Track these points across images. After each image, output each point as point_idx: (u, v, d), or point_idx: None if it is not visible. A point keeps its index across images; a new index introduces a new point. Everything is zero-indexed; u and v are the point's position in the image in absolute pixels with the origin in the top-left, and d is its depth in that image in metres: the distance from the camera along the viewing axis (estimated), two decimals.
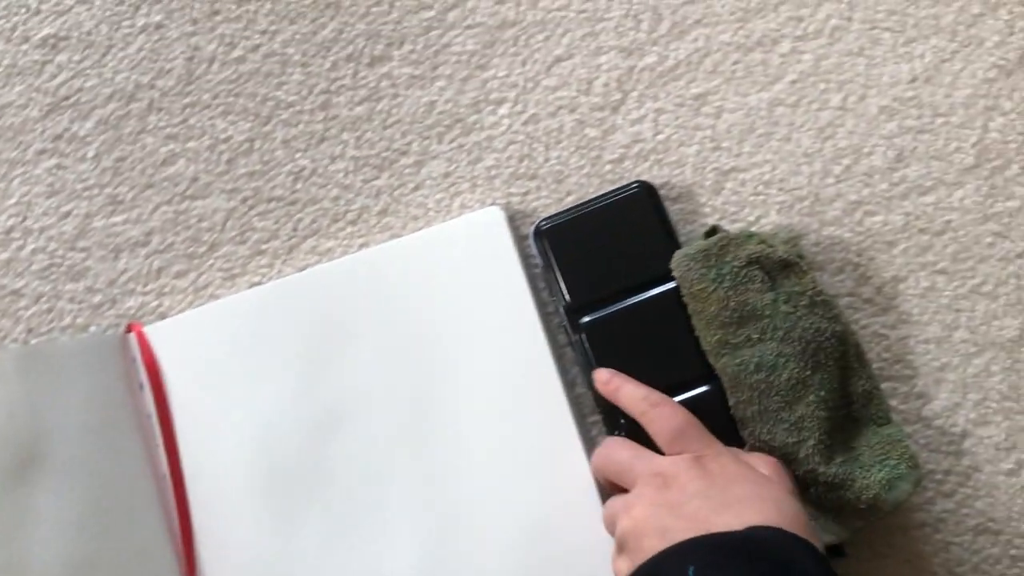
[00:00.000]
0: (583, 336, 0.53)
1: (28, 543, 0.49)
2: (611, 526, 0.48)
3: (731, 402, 0.50)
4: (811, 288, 0.50)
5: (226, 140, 0.59)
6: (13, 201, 0.59)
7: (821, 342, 0.49)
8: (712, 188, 0.56)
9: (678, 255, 0.51)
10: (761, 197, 0.56)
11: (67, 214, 0.59)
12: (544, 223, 0.54)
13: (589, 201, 0.54)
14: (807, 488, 0.49)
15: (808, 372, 0.48)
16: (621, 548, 0.46)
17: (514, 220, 0.56)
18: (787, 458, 0.48)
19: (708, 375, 0.51)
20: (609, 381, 0.51)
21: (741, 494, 0.44)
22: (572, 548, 0.51)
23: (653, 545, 0.43)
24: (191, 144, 0.59)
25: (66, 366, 0.53)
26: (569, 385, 0.54)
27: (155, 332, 0.56)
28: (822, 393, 0.48)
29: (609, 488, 0.51)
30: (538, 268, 0.55)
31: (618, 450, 0.50)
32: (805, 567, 0.40)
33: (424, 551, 0.52)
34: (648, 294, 0.52)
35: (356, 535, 0.52)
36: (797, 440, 0.48)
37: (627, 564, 0.45)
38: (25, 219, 0.59)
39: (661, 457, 0.48)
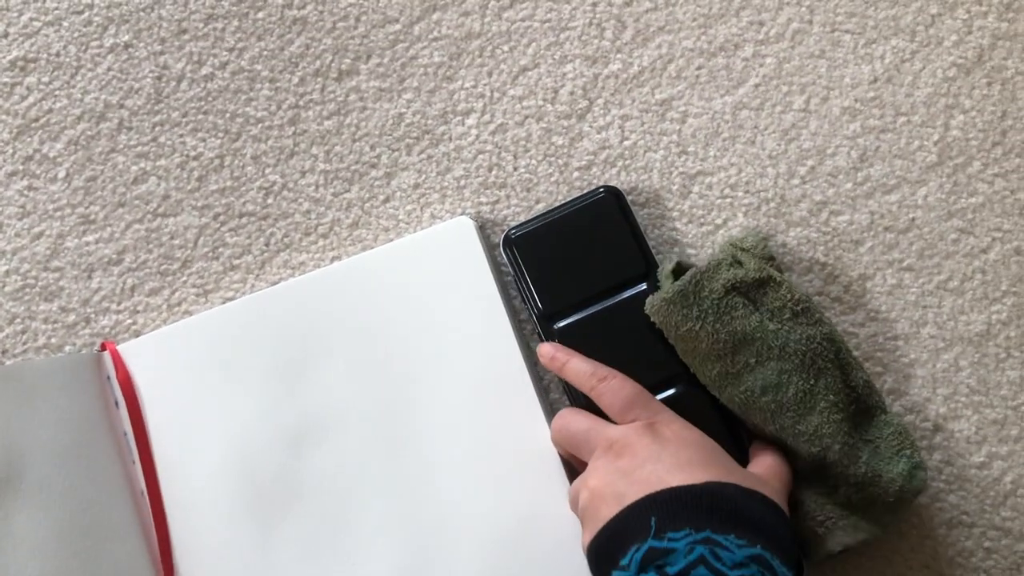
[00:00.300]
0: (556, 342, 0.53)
1: (4, 564, 0.49)
2: (575, 505, 0.49)
3: (750, 426, 0.50)
4: (789, 299, 0.50)
5: (196, 157, 0.59)
6: None
7: (815, 349, 0.49)
8: (679, 192, 0.56)
9: (654, 301, 0.51)
10: (728, 200, 0.56)
11: (39, 235, 0.59)
12: (513, 232, 0.55)
13: (557, 208, 0.55)
14: (837, 490, 0.49)
15: (812, 382, 0.49)
16: (584, 522, 0.47)
17: (484, 229, 0.57)
18: (816, 465, 0.49)
19: (680, 376, 0.51)
20: (554, 356, 0.52)
21: (693, 457, 0.45)
22: (549, 555, 0.51)
23: (611, 510, 0.44)
24: (162, 162, 0.59)
25: (40, 386, 0.53)
26: (543, 392, 0.54)
27: (129, 350, 0.56)
28: (831, 397, 0.49)
29: (569, 460, 0.52)
30: (509, 276, 0.55)
31: (573, 420, 0.50)
32: (762, 514, 0.42)
33: (401, 562, 0.52)
34: (619, 297, 0.53)
35: (333, 547, 0.53)
36: (821, 448, 0.48)
37: (588, 535, 0.45)
38: None
39: (614, 426, 0.49)
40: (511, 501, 0.52)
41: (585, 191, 0.55)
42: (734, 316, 0.49)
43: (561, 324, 0.53)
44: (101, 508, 0.52)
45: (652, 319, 0.51)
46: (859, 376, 0.51)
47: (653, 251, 0.54)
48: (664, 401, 0.51)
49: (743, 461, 0.49)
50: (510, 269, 0.55)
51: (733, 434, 0.51)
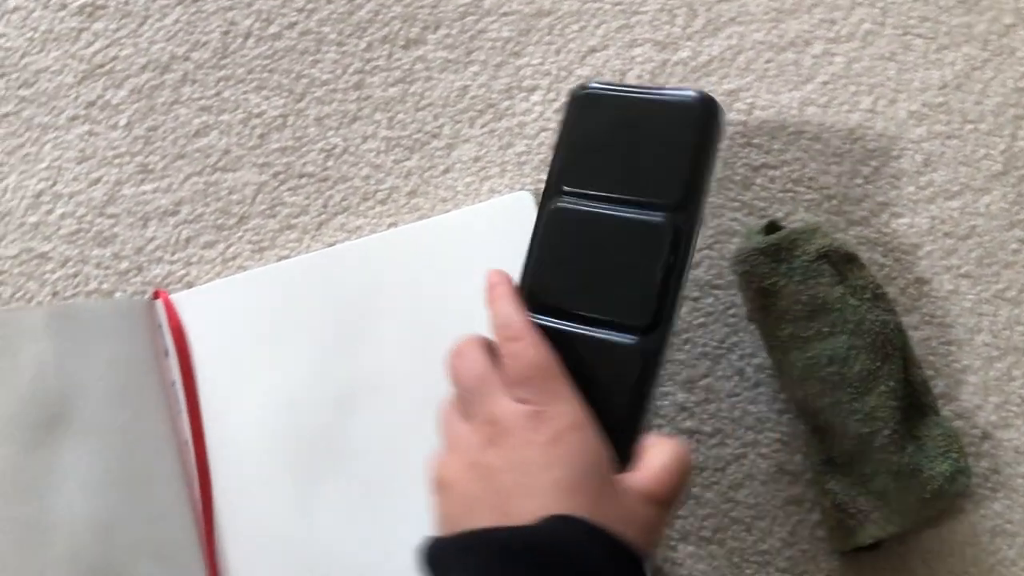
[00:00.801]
0: (541, 219, 0.47)
1: (52, 501, 0.49)
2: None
3: (800, 396, 0.50)
4: (871, 281, 0.51)
5: (259, 115, 0.59)
6: (44, 165, 0.60)
7: (887, 334, 0.50)
8: (741, 183, 0.56)
9: (744, 249, 0.51)
10: (790, 194, 0.56)
11: (97, 180, 0.59)
12: (588, 89, 0.47)
13: (647, 88, 0.46)
14: (873, 478, 0.49)
15: (878, 363, 0.49)
16: (433, 489, 0.44)
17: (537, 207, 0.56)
18: (862, 448, 0.49)
19: (645, 328, 0.44)
20: (495, 286, 0.46)
21: (563, 477, 0.40)
22: None
23: (454, 513, 0.41)
24: (224, 117, 0.59)
25: (95, 327, 0.53)
26: None
27: (182, 300, 0.56)
28: (891, 383, 0.49)
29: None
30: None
31: (469, 361, 0.44)
32: (591, 565, 0.38)
33: None
34: (638, 216, 0.45)
35: (374, 509, 0.53)
36: (871, 430, 0.49)
37: (436, 512, 0.43)
38: (55, 184, 0.59)
39: (504, 401, 0.42)
40: None
41: (683, 87, 0.47)
42: (820, 282, 0.49)
43: (558, 204, 0.46)
44: (147, 453, 0.52)
45: (734, 267, 0.51)
46: (918, 374, 0.51)
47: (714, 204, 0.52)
48: (607, 345, 0.44)
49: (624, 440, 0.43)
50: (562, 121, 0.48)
51: (632, 412, 0.43)
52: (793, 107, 0.57)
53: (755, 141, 0.57)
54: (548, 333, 0.44)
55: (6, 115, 0.60)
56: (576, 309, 0.44)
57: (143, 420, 0.52)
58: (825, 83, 0.57)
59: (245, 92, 0.60)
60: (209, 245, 0.58)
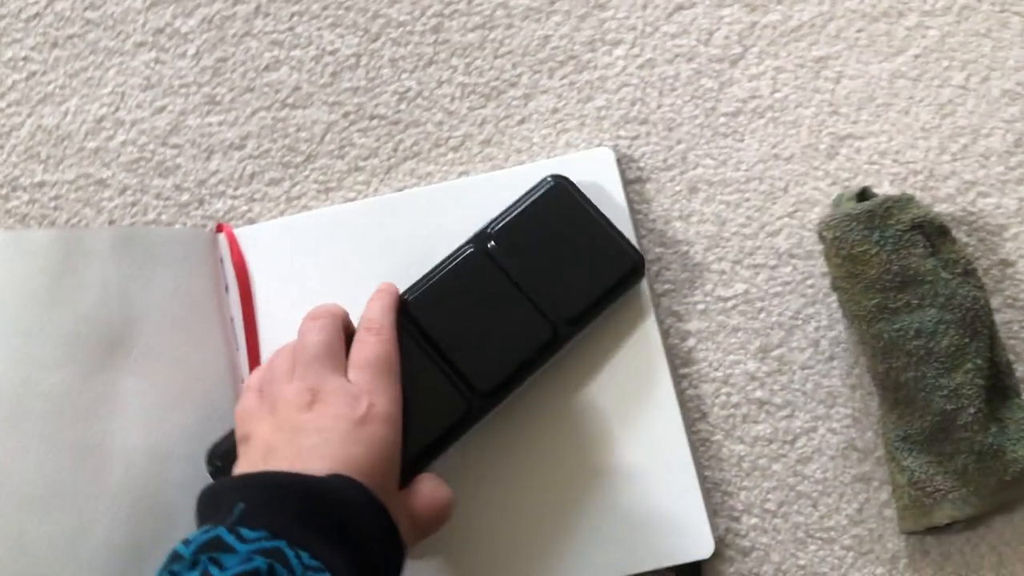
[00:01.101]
0: (464, 252, 0.51)
1: (109, 427, 0.48)
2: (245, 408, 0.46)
3: (882, 369, 0.49)
4: (963, 256, 0.50)
5: (332, 52, 0.58)
6: (107, 91, 0.58)
7: (977, 310, 0.48)
8: (826, 152, 0.55)
9: (835, 215, 0.50)
10: (875, 167, 0.55)
11: (161, 109, 0.58)
12: (563, 180, 0.52)
13: (605, 220, 0.51)
14: (953, 457, 0.48)
15: (967, 340, 0.48)
16: (244, 442, 0.45)
17: (619, 164, 0.55)
18: (944, 425, 0.48)
19: (482, 394, 0.48)
20: (382, 291, 0.49)
21: (358, 455, 0.42)
22: (664, 500, 0.50)
23: (250, 462, 0.43)
24: (296, 52, 0.58)
25: (159, 254, 0.52)
26: (665, 331, 0.53)
27: (244, 235, 0.55)
28: (978, 361, 0.48)
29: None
30: (640, 215, 0.54)
31: (323, 331, 0.46)
32: (364, 530, 0.40)
33: (492, 479, 0.51)
34: (533, 307, 0.50)
35: None
36: (956, 408, 0.47)
37: (240, 463, 0.44)
38: (118, 110, 0.58)
39: (336, 376, 0.45)
40: (627, 441, 0.51)
41: (632, 245, 0.52)
42: (912, 252, 0.48)
43: (486, 248, 0.50)
44: (205, 387, 0.50)
45: (823, 233, 0.50)
46: (1002, 354, 0.50)
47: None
48: (440, 383, 0.48)
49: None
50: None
51: (431, 449, 0.48)
52: (883, 78, 0.56)
53: (842, 111, 0.55)
54: (406, 344, 0.48)
55: (71, 37, 0.59)
56: (440, 343, 0.49)
57: (202, 354, 0.51)
58: (917, 56, 0.56)
59: (319, 28, 0.58)
60: (274, 182, 0.57)
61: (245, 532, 0.37)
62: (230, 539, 0.37)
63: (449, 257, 0.51)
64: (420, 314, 0.50)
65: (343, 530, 0.39)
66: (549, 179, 0.52)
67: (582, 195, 0.52)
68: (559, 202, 0.52)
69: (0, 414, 0.46)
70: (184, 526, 0.47)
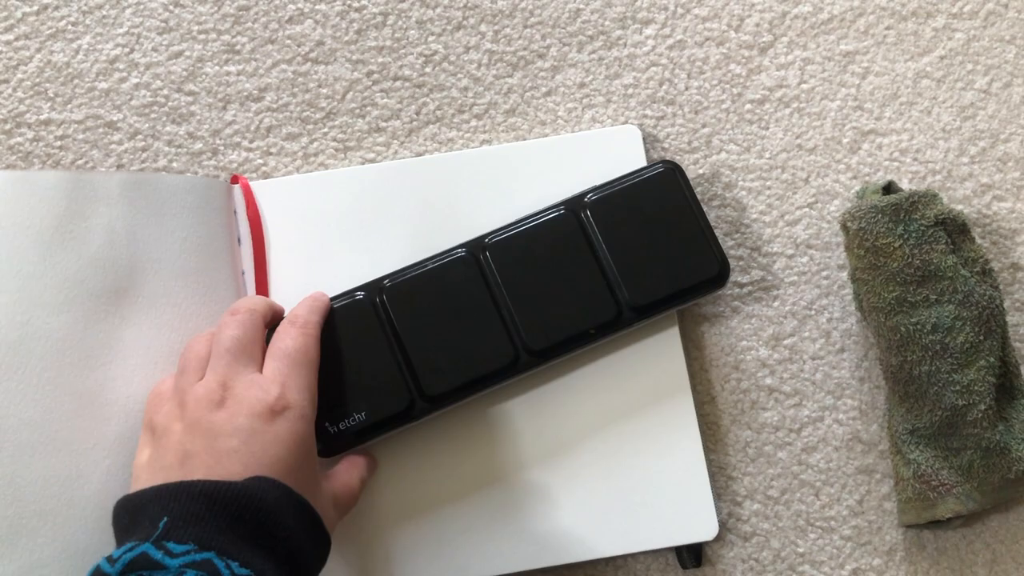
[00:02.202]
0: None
1: (110, 375, 0.46)
2: (155, 398, 0.45)
3: (895, 362, 0.49)
4: (982, 255, 0.50)
5: (359, 9, 0.56)
6: (122, 30, 0.56)
7: (992, 310, 0.49)
8: (849, 146, 0.55)
9: (860, 207, 0.50)
10: (896, 164, 0.55)
11: (178, 54, 0.56)
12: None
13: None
14: (960, 453, 0.49)
15: (981, 337, 0.49)
16: (148, 437, 0.44)
17: (643, 143, 0.55)
18: (954, 420, 0.48)
19: (426, 398, 0.48)
20: (316, 298, 0.49)
21: (280, 455, 0.42)
22: (671, 481, 0.50)
23: (165, 462, 0.41)
24: (321, 7, 0.56)
25: (171, 202, 0.50)
26: (679, 314, 0.53)
27: (259, 189, 0.53)
28: (991, 359, 0.49)
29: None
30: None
31: (240, 326, 0.45)
32: (291, 531, 0.40)
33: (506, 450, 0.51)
34: (503, 330, 0.49)
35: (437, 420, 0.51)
36: (967, 404, 0.48)
37: (146, 455, 0.43)
38: (132, 51, 0.56)
39: (248, 371, 0.44)
40: (636, 429, 0.51)
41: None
42: (934, 248, 0.49)
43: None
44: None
45: (847, 223, 0.50)
46: (1012, 355, 0.50)
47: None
48: (390, 372, 0.48)
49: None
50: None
51: (363, 434, 0.48)
52: (908, 77, 0.56)
53: (866, 106, 0.56)
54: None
55: None
56: (404, 335, 0.48)
57: (210, 305, 0.50)
58: (942, 57, 0.56)
59: None
60: (292, 137, 0.55)
61: (172, 546, 0.36)
62: (158, 555, 0.36)
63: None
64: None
65: (271, 534, 0.39)
66: (660, 164, 0.51)
67: (689, 187, 0.51)
68: (665, 188, 0.50)
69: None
70: None
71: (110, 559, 0.37)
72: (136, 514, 0.40)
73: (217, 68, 0.56)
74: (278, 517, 0.39)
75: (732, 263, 0.54)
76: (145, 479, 0.42)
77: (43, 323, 0.46)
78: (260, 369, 0.45)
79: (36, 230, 0.48)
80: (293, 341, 0.45)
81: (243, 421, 0.42)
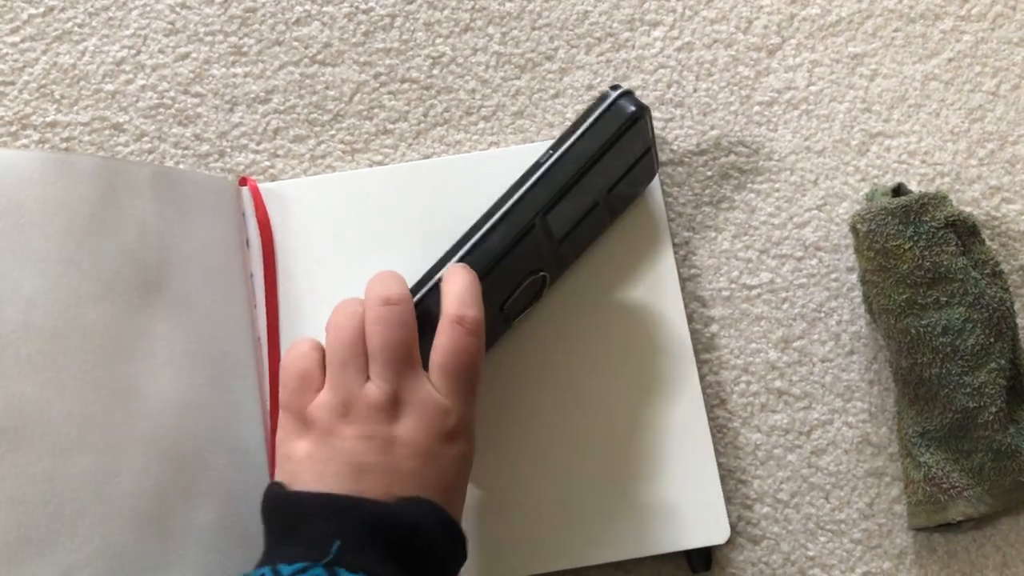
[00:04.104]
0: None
1: (141, 369, 0.45)
2: (293, 375, 0.42)
3: (905, 364, 0.49)
4: (992, 257, 0.50)
5: (367, 11, 0.56)
6: (129, 32, 0.56)
7: (1003, 312, 0.49)
8: (857, 148, 0.55)
9: (870, 209, 0.50)
10: (904, 166, 0.55)
11: (184, 56, 0.56)
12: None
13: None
14: (971, 455, 0.48)
15: (992, 340, 0.48)
16: (305, 427, 0.41)
17: None
18: (964, 423, 0.48)
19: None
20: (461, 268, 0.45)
21: (447, 480, 0.41)
22: (682, 485, 0.50)
23: (338, 473, 0.40)
24: (328, 8, 0.56)
25: (195, 199, 0.49)
26: (688, 316, 0.52)
27: (267, 191, 0.53)
28: (1002, 362, 0.49)
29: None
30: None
31: (402, 325, 0.42)
32: (447, 563, 0.40)
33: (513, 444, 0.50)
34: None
35: None
36: (978, 406, 0.48)
37: (304, 448, 0.41)
38: (139, 53, 0.56)
39: (422, 382, 0.42)
40: (648, 432, 0.51)
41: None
42: (944, 250, 0.49)
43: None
44: (229, 341, 0.49)
45: (857, 225, 0.50)
46: (1022, 357, 0.50)
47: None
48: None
49: None
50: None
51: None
52: (916, 79, 0.56)
53: (874, 108, 0.56)
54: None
55: None
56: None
57: (229, 306, 0.49)
58: (950, 60, 0.56)
59: None
60: (299, 139, 0.55)
61: (344, 574, 0.36)
62: None
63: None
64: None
65: (423, 563, 0.39)
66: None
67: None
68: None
69: (38, 344, 0.43)
70: (204, 482, 0.46)
71: (275, 571, 0.36)
72: (301, 520, 0.39)
73: (224, 70, 0.56)
74: (434, 546, 0.39)
75: (741, 265, 0.54)
76: (309, 480, 0.40)
77: (81, 313, 0.45)
78: (423, 370, 0.42)
79: (74, 216, 0.46)
80: (466, 353, 0.42)
81: (422, 442, 0.40)
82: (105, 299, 0.45)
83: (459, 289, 0.43)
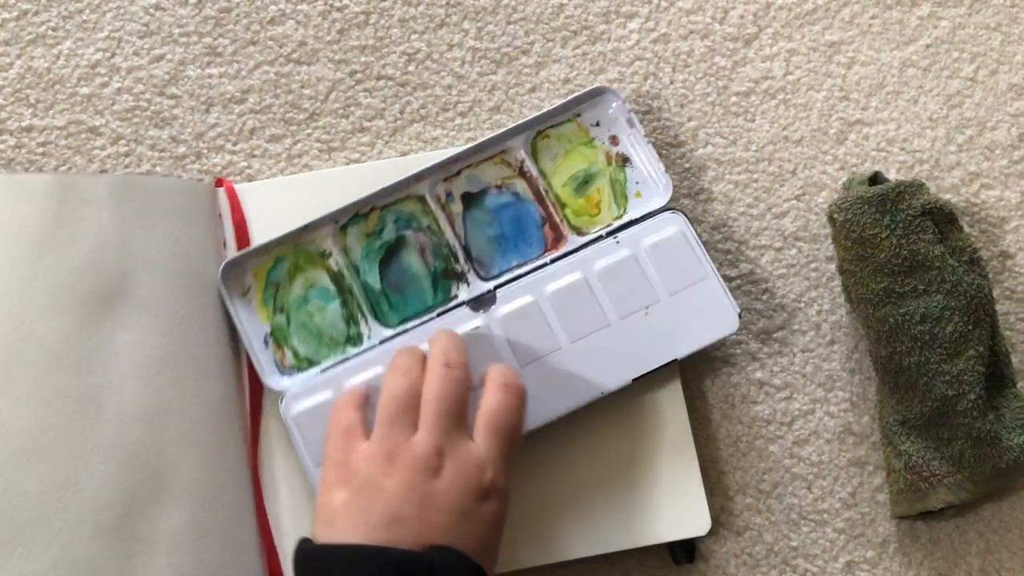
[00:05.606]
0: None
1: (105, 379, 0.46)
2: (345, 426, 0.44)
3: (885, 353, 0.49)
4: (970, 244, 0.50)
5: (340, 9, 0.56)
6: (103, 35, 0.56)
7: (981, 299, 0.49)
8: (835, 137, 0.55)
9: (847, 198, 0.50)
10: (883, 154, 0.55)
11: (159, 58, 0.56)
12: None
13: None
14: (951, 443, 0.48)
15: (970, 327, 0.48)
16: (346, 478, 0.42)
17: None
18: (944, 410, 0.48)
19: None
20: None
21: (482, 536, 0.42)
22: (662, 477, 0.50)
23: (372, 523, 0.41)
24: (303, 7, 0.56)
25: (160, 205, 0.50)
26: None
27: (244, 192, 0.53)
28: (980, 349, 0.49)
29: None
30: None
31: (455, 379, 0.44)
32: None
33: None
34: None
35: None
36: (956, 393, 0.48)
37: (342, 498, 0.42)
38: (114, 56, 0.56)
39: (463, 439, 0.44)
40: (627, 424, 0.51)
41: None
42: (921, 238, 0.49)
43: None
44: (199, 345, 0.49)
45: (834, 215, 0.50)
46: (1001, 344, 0.50)
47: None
48: None
49: None
50: None
51: None
52: (894, 66, 0.56)
53: (852, 96, 0.55)
54: None
55: None
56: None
57: (200, 309, 0.49)
58: (928, 46, 0.56)
59: None
60: (275, 139, 0.55)
61: None
62: None
63: None
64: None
65: None
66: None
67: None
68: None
69: None
70: (177, 483, 0.46)
71: None
72: (328, 573, 0.40)
73: (199, 71, 0.56)
74: None
75: (719, 256, 0.54)
76: (343, 528, 0.41)
77: (35, 328, 0.46)
78: (468, 430, 0.44)
79: (26, 234, 0.47)
80: (508, 416, 0.44)
81: (458, 498, 0.42)
82: (61, 312, 0.46)
83: (494, 367, 0.46)
